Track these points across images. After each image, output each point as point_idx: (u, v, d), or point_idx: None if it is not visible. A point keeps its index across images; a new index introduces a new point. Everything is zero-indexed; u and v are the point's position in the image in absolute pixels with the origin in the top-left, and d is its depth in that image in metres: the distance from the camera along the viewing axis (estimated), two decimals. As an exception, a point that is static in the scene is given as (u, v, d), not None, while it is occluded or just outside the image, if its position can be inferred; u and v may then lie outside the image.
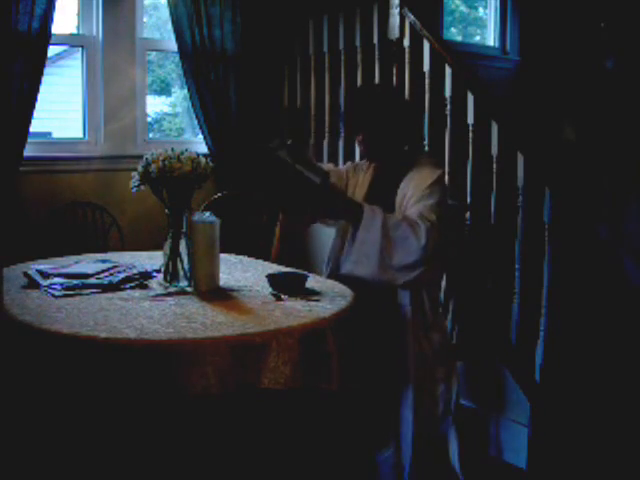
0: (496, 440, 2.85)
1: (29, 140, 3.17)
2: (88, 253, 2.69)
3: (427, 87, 3.23)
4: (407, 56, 3.33)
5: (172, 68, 4.25)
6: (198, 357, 1.63)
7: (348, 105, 2.53)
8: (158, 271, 2.28)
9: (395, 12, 3.38)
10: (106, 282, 2.13)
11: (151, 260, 2.48)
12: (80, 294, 2.01)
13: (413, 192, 2.28)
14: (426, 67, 3.23)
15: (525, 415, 2.74)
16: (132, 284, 2.14)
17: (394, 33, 3.40)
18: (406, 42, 3.34)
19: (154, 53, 4.05)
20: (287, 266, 2.54)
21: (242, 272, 2.41)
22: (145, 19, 3.86)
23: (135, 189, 2.15)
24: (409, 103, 2.86)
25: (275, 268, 2.47)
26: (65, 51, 3.85)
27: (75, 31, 3.57)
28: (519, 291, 2.82)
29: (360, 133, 2.39)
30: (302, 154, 2.17)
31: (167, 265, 2.17)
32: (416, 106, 3.07)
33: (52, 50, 3.33)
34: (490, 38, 5.18)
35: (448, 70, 3.10)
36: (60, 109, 3.79)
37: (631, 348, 2.83)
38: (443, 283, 2.77)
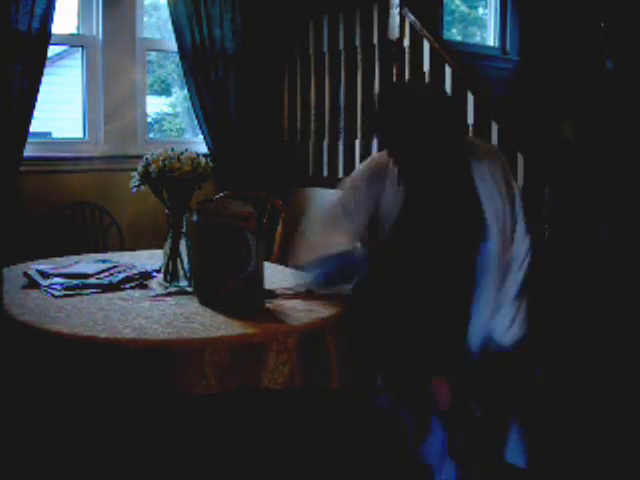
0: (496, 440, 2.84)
1: (29, 140, 3.17)
2: (88, 253, 2.69)
3: (427, 87, 3.23)
4: (407, 56, 3.33)
5: (172, 68, 4.26)
6: (198, 357, 1.63)
7: (379, 116, 1.91)
8: (158, 271, 2.28)
9: (395, 12, 3.38)
10: (106, 282, 2.13)
11: (151, 260, 2.48)
12: (80, 294, 2.01)
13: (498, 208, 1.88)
14: (426, 67, 3.23)
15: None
16: (132, 284, 2.14)
17: (394, 33, 3.41)
18: (406, 42, 3.34)
19: (154, 53, 4.05)
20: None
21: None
22: (145, 19, 3.86)
23: (135, 189, 2.15)
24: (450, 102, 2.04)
25: (274, 268, 2.46)
26: (65, 51, 3.85)
27: (75, 31, 3.57)
28: (519, 291, 2.82)
29: (395, 150, 1.88)
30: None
31: (167, 265, 2.17)
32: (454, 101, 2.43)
33: (52, 50, 3.33)
34: (490, 38, 5.18)
35: (448, 70, 3.10)
36: (60, 109, 3.79)
37: (631, 348, 2.83)
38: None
